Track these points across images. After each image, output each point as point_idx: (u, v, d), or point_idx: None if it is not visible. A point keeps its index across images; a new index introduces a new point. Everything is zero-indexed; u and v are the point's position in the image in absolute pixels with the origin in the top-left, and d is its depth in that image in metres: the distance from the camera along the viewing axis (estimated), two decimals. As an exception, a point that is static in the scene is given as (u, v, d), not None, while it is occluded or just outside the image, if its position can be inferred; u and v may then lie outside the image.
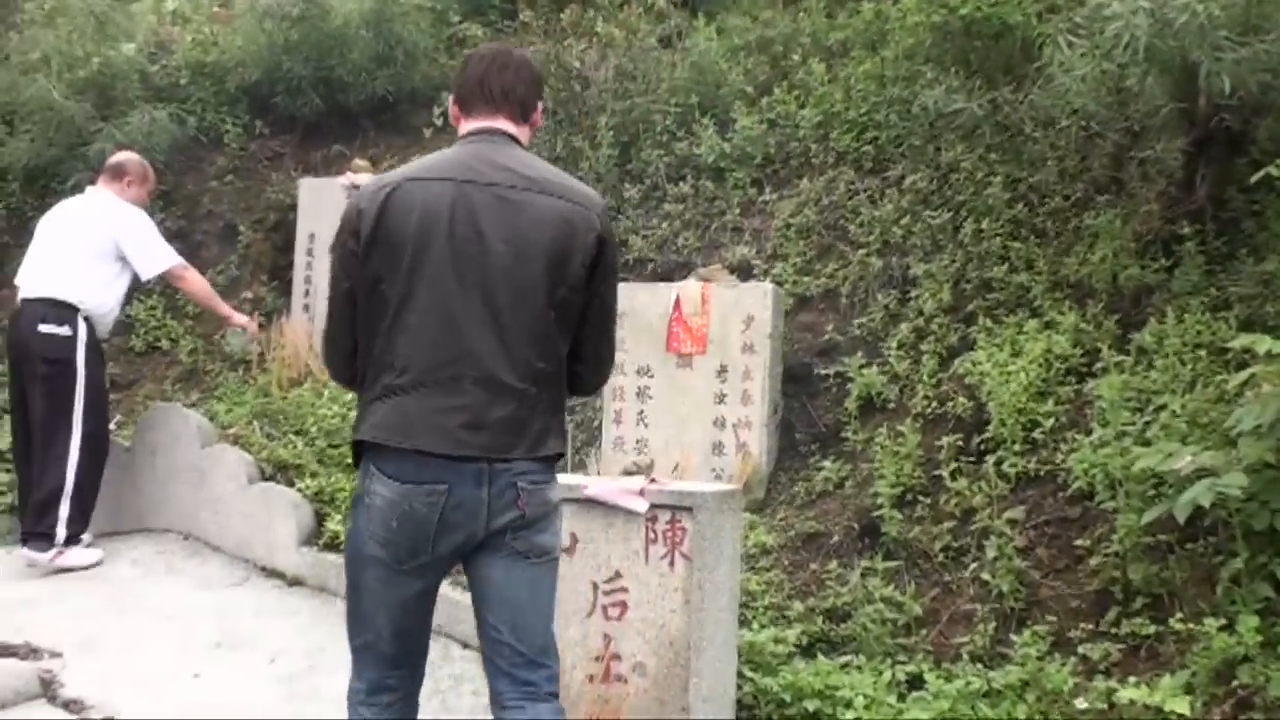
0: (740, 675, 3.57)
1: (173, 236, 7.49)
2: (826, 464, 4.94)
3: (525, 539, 2.51)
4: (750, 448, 5.12)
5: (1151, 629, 3.53)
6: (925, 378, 4.97)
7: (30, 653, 4.16)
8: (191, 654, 4.24)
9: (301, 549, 4.93)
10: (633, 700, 3.34)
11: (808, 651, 3.92)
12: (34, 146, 7.53)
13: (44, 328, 5.00)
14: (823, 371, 5.40)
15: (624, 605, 3.36)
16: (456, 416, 2.41)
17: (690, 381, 5.29)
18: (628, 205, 6.66)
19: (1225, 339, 4.13)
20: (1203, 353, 4.17)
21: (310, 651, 4.24)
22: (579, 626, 3.41)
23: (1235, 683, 3.18)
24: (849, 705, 3.48)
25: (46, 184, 7.54)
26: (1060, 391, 4.48)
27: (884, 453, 4.62)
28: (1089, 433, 4.11)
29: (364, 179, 5.53)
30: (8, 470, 5.59)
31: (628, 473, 4.87)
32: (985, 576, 3.99)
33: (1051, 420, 4.35)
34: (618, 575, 3.37)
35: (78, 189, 6.55)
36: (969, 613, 3.98)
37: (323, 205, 6.72)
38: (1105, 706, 3.33)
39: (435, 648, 2.83)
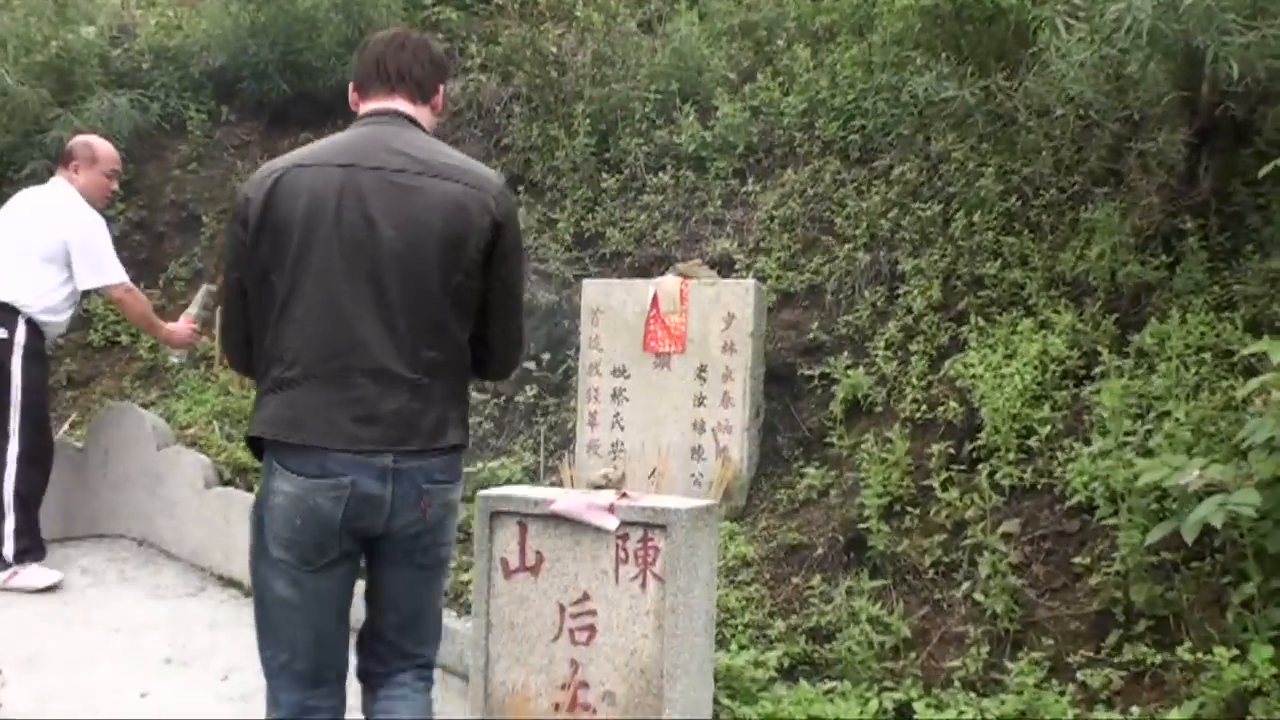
0: (717, 703, 3.42)
1: (134, 227, 7.35)
2: (810, 470, 4.81)
3: (427, 552, 2.53)
4: (730, 452, 4.98)
5: (1156, 656, 3.37)
6: (914, 380, 4.81)
7: (-32, 671, 4.03)
8: (140, 671, 4.13)
9: (260, 558, 4.78)
10: (601, 731, 3.18)
11: (789, 675, 3.77)
12: (-13, 134, 7.31)
13: None
14: (807, 372, 5.26)
15: (592, 629, 3.18)
16: (348, 410, 2.37)
17: (668, 383, 5.16)
18: (605, 196, 6.52)
19: (1230, 341, 3.99)
20: (1207, 356, 4.00)
21: (264, 669, 4.12)
22: (544, 651, 3.23)
23: (1248, 718, 3.01)
24: (833, 738, 3.34)
25: (1, 173, 7.31)
26: (1056, 396, 4.32)
27: (871, 460, 4.46)
28: (1088, 441, 3.96)
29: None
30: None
31: (598, 486, 4.72)
32: (978, 596, 3.85)
33: (1048, 427, 4.19)
34: (586, 597, 3.19)
35: (34, 177, 6.39)
36: (960, 634, 3.82)
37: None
38: (1107, 739, 3.17)
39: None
